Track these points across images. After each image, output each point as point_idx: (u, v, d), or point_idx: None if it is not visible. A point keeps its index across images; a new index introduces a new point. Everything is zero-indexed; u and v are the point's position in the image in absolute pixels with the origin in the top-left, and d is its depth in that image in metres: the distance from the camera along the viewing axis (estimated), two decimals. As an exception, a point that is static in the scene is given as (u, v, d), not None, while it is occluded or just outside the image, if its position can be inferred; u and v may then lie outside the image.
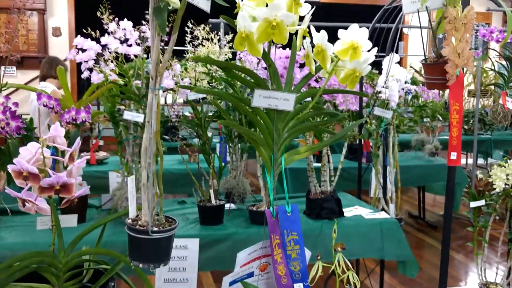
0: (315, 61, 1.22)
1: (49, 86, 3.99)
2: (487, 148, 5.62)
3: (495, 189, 2.35)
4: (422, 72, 1.86)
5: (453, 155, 1.48)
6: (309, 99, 1.40)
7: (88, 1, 8.18)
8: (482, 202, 2.51)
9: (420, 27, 1.49)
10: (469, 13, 1.33)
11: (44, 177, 1.23)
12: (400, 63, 2.83)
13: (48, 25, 8.34)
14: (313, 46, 1.19)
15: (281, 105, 1.19)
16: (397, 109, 2.86)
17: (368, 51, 1.19)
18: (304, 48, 1.22)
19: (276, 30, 1.08)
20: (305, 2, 1.14)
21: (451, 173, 1.55)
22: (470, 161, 6.10)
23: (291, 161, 1.27)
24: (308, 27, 1.17)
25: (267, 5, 1.08)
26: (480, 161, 6.45)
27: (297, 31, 1.16)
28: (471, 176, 4.50)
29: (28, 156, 1.28)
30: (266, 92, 1.19)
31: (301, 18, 1.19)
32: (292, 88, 1.33)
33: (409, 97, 4.79)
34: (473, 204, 2.51)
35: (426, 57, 1.48)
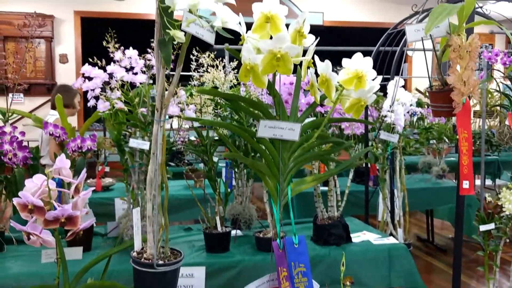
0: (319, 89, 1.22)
1: (56, 114, 4.02)
2: (494, 169, 5.57)
3: (504, 211, 2.32)
4: (427, 93, 1.86)
5: (465, 184, 1.46)
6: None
7: (95, 28, 8.31)
8: (491, 226, 2.47)
9: (424, 52, 1.49)
10: (474, 42, 1.33)
11: (49, 210, 1.22)
12: (404, 85, 2.83)
13: (55, 53, 8.47)
14: (317, 75, 1.19)
15: (287, 135, 1.19)
16: (403, 132, 2.85)
17: (373, 79, 1.19)
18: (308, 77, 1.23)
19: (281, 62, 1.08)
20: (309, 25, 1.14)
21: (460, 201, 1.53)
22: (478, 182, 6.05)
23: (298, 191, 1.26)
24: (312, 57, 1.17)
25: (271, 38, 1.09)
26: (488, 182, 6.39)
27: (301, 62, 1.16)
28: (480, 198, 4.45)
29: (33, 188, 1.28)
30: (271, 122, 1.18)
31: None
32: (298, 116, 1.32)
33: (415, 118, 4.78)
34: (483, 227, 2.47)
35: (432, 84, 1.47)
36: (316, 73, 1.20)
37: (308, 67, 1.20)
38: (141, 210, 2.28)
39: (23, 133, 2.24)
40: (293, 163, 1.25)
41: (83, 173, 1.35)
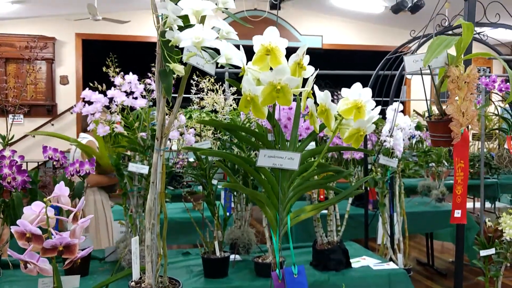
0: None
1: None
2: (494, 192, 5.56)
3: (505, 236, 2.31)
4: (426, 123, 1.86)
5: (457, 213, 1.46)
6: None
7: (96, 49, 8.38)
8: (492, 251, 2.46)
9: (423, 81, 1.50)
10: (472, 73, 1.35)
11: (47, 238, 1.21)
12: (403, 107, 2.85)
13: (56, 74, 8.52)
14: (317, 104, 1.20)
15: (286, 164, 1.19)
16: (402, 156, 2.86)
17: (372, 109, 1.19)
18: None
19: (281, 94, 1.09)
20: (309, 49, 1.14)
21: (460, 231, 1.52)
22: (478, 205, 6.02)
23: (297, 221, 1.25)
24: (312, 87, 1.19)
25: (271, 69, 1.10)
26: (487, 205, 6.37)
27: (301, 93, 1.17)
28: (479, 222, 4.43)
29: (31, 216, 1.27)
30: (271, 152, 1.19)
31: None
32: (297, 144, 1.33)
33: (414, 141, 4.79)
34: (483, 252, 2.46)
35: (430, 113, 1.48)
36: (315, 102, 1.21)
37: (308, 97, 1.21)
38: (139, 234, 2.27)
39: (22, 157, 2.24)
40: (292, 192, 1.25)
41: (82, 200, 1.35)
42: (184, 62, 1.02)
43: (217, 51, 1.08)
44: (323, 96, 1.16)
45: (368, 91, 1.17)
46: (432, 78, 1.44)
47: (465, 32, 1.36)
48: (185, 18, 1.03)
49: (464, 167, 1.46)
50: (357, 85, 1.18)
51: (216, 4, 1.04)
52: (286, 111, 1.91)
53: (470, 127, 1.37)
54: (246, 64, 1.15)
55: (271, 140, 1.30)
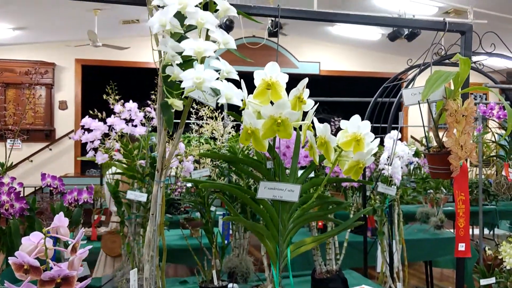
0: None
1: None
2: (493, 218, 5.54)
3: (504, 265, 2.30)
4: (424, 142, 1.87)
5: (461, 246, 1.45)
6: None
7: (95, 75, 8.44)
8: (492, 280, 2.44)
9: (421, 114, 1.52)
10: (469, 106, 1.36)
11: (45, 269, 1.20)
12: (401, 133, 2.87)
13: (55, 99, 8.56)
14: (316, 136, 1.21)
15: (286, 196, 1.20)
16: (401, 183, 2.85)
17: (371, 141, 1.20)
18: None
19: (281, 127, 1.10)
20: (305, 75, 1.16)
21: (460, 262, 1.51)
22: (477, 231, 6.00)
23: (297, 253, 1.25)
24: (312, 122, 1.20)
25: (272, 103, 1.11)
26: (486, 231, 6.34)
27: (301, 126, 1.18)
28: (479, 249, 4.40)
29: (30, 247, 1.26)
30: (271, 184, 1.19)
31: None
32: (297, 175, 1.33)
33: (412, 167, 4.79)
34: (483, 282, 2.44)
35: (429, 146, 1.49)
36: (315, 134, 1.21)
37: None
38: (137, 263, 2.25)
39: (21, 184, 2.24)
40: (292, 224, 1.25)
41: (81, 232, 1.34)
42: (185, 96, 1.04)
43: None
44: (323, 128, 1.17)
45: (367, 123, 1.18)
46: (430, 110, 1.46)
47: (462, 67, 1.39)
48: (186, 58, 1.05)
49: (465, 199, 1.46)
50: (356, 118, 1.19)
51: (217, 44, 1.06)
52: (285, 139, 1.93)
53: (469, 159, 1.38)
54: (247, 97, 1.16)
55: (270, 168, 1.30)
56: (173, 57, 1.03)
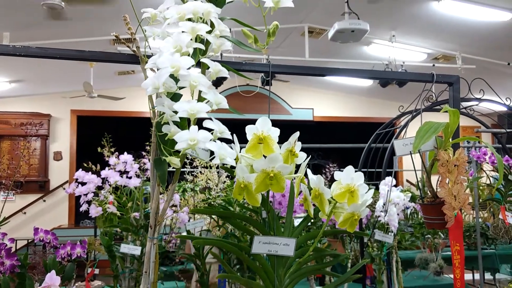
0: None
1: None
2: (493, 263, 5.45)
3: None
4: (420, 186, 1.87)
5: (460, 297, 1.42)
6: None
7: (90, 125, 8.48)
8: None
9: (414, 165, 1.53)
10: (461, 156, 1.38)
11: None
12: (395, 178, 2.86)
13: (49, 150, 8.56)
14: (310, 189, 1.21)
15: (282, 250, 1.18)
16: (398, 228, 2.83)
17: (366, 192, 1.20)
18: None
19: (274, 181, 1.10)
20: (299, 121, 1.17)
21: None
22: (477, 276, 5.89)
23: (294, 309, 1.22)
24: (306, 174, 1.20)
25: (264, 156, 1.12)
26: (487, 276, 6.24)
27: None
28: (480, 296, 4.32)
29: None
30: (266, 238, 1.18)
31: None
32: (292, 227, 1.32)
33: (408, 211, 4.75)
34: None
35: (423, 195, 1.49)
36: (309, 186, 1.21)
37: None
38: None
39: (12, 240, 2.20)
40: (288, 279, 1.22)
41: (73, 290, 1.31)
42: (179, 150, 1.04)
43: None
44: (316, 180, 1.17)
45: (360, 175, 1.18)
46: (422, 161, 1.47)
47: (451, 118, 1.41)
48: (181, 119, 1.06)
49: (460, 249, 1.45)
50: (349, 169, 1.19)
51: (209, 104, 1.07)
52: (280, 188, 1.92)
53: (463, 210, 1.38)
54: (240, 151, 1.17)
55: (265, 220, 1.29)
56: (171, 117, 1.04)
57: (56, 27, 5.69)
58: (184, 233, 4.37)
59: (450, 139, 1.42)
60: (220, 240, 1.51)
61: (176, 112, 1.02)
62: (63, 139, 8.71)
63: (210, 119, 1.09)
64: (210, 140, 1.01)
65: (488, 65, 6.98)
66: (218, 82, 6.12)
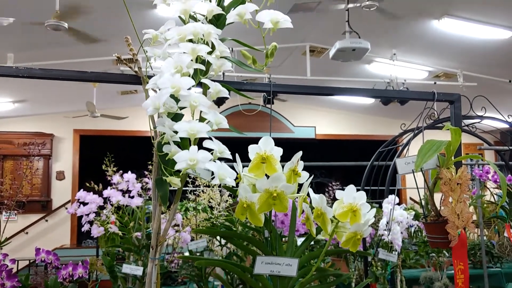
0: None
1: None
2: (499, 281, 5.38)
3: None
4: (422, 217, 1.85)
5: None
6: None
7: (93, 145, 8.50)
8: None
9: (416, 185, 1.52)
10: (463, 174, 1.37)
11: None
12: (399, 196, 2.85)
13: (52, 170, 8.56)
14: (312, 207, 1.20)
15: (284, 270, 1.17)
16: (402, 247, 2.81)
17: (368, 211, 1.19)
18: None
19: (277, 201, 1.10)
20: (301, 139, 1.17)
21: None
22: (483, 295, 5.81)
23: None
24: (308, 194, 1.20)
25: (267, 176, 1.12)
26: (494, 295, 6.15)
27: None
28: (487, 315, 4.25)
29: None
30: (268, 259, 1.17)
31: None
32: (295, 247, 1.31)
33: (412, 229, 4.72)
34: None
35: (426, 214, 1.48)
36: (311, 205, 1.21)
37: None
38: None
39: (13, 260, 2.19)
40: (291, 300, 1.21)
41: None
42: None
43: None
44: (318, 200, 1.17)
45: (362, 194, 1.17)
46: (425, 180, 1.47)
47: (453, 136, 1.41)
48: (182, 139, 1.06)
49: (464, 269, 1.43)
50: (351, 188, 1.19)
51: (210, 125, 1.08)
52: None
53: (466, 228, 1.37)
54: (242, 170, 1.17)
55: (268, 239, 1.28)
56: (171, 137, 1.05)
57: (60, 48, 5.75)
58: (186, 253, 4.34)
59: (453, 157, 1.41)
60: (223, 261, 1.50)
61: (176, 132, 1.03)
62: (66, 159, 8.72)
63: (210, 138, 1.09)
64: (210, 160, 1.01)
65: (489, 82, 7.00)
66: (220, 101, 6.14)
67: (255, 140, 1.17)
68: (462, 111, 2.20)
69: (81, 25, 5.14)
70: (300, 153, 1.16)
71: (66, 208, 8.09)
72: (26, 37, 5.34)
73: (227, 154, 1.09)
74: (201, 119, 1.11)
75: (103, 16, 5.01)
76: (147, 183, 2.39)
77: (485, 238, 4.92)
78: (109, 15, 4.98)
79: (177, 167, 0.99)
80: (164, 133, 1.07)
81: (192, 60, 1.15)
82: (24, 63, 5.37)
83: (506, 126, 2.67)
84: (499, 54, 6.23)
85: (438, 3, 5.10)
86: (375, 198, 3.91)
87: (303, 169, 1.20)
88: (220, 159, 1.09)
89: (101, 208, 2.35)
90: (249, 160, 1.17)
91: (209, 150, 1.04)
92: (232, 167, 1.15)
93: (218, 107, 6.84)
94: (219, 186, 2.66)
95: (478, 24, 5.35)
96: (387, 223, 2.49)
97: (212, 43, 1.22)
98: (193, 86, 1.07)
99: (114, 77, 1.52)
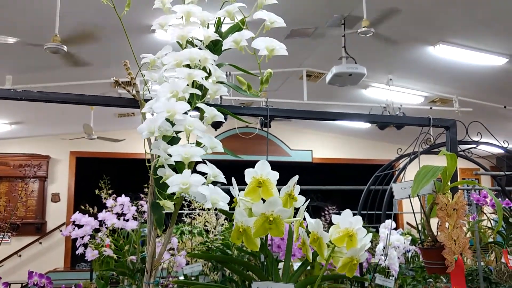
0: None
1: None
2: (498, 308, 5.33)
3: None
4: (418, 243, 1.84)
5: None
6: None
7: (89, 167, 8.47)
8: None
9: (413, 210, 1.52)
10: (460, 200, 1.38)
11: None
12: (395, 220, 2.84)
13: (47, 191, 8.51)
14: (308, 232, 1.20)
15: (280, 296, 1.16)
16: (399, 272, 2.78)
17: (364, 236, 1.19)
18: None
19: (273, 225, 1.09)
20: (298, 163, 1.17)
21: None
22: (482, 322, 5.73)
23: None
24: (304, 218, 1.19)
25: (263, 200, 1.12)
26: (493, 322, 6.07)
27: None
28: None
29: None
30: (264, 284, 1.16)
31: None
32: (290, 272, 1.30)
33: (410, 254, 4.68)
34: None
35: (423, 239, 1.48)
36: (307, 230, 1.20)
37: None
38: None
39: (6, 284, 2.16)
40: (287, 326, 1.19)
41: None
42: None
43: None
44: (314, 224, 1.16)
45: (358, 219, 1.17)
46: (421, 205, 1.47)
47: (449, 162, 1.41)
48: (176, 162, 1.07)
49: (463, 295, 1.41)
50: (347, 212, 1.18)
51: (204, 149, 1.08)
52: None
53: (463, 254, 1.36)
54: (238, 194, 1.17)
55: (264, 263, 1.27)
56: (166, 160, 1.05)
57: (58, 70, 5.78)
58: (181, 277, 4.29)
59: (449, 183, 1.42)
60: (218, 286, 1.48)
61: (171, 156, 1.03)
62: (62, 181, 8.67)
63: (205, 162, 1.09)
64: (203, 184, 1.01)
65: (485, 108, 7.06)
66: (217, 124, 6.16)
67: (252, 163, 1.18)
68: (458, 136, 2.21)
69: (80, 49, 5.19)
70: (296, 177, 1.16)
71: (61, 231, 8.01)
72: (24, 59, 5.38)
73: (221, 178, 1.09)
74: (198, 143, 1.12)
75: (103, 40, 5.06)
76: (142, 205, 2.38)
77: (482, 263, 4.89)
78: (109, 39, 5.03)
79: (169, 191, 0.99)
80: (159, 156, 1.07)
81: (188, 85, 1.16)
82: (22, 85, 5.39)
83: (502, 151, 2.69)
84: (494, 80, 6.29)
85: (433, 30, 5.18)
86: (372, 223, 3.89)
87: (299, 193, 1.20)
88: (216, 182, 1.09)
89: (96, 231, 2.33)
90: (246, 184, 1.17)
91: (203, 174, 1.04)
92: (229, 191, 1.15)
93: (215, 130, 6.85)
94: (215, 209, 2.65)
95: (473, 50, 5.42)
96: (384, 248, 2.48)
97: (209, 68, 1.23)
98: (189, 110, 1.08)
99: (111, 100, 1.53)
